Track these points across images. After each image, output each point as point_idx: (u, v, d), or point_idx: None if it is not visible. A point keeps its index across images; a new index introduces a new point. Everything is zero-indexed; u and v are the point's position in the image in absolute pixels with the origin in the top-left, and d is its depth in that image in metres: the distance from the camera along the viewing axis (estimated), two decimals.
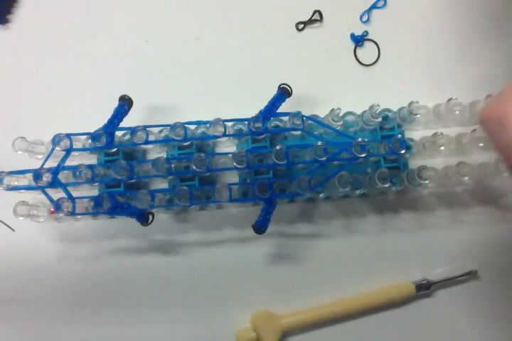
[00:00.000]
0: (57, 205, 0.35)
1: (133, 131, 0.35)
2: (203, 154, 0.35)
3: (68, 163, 0.36)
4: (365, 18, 0.43)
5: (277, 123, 0.39)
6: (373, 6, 0.43)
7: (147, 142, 0.36)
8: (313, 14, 0.43)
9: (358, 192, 0.36)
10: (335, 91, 0.42)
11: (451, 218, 0.41)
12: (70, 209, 0.35)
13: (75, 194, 0.36)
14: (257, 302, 0.40)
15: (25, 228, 0.40)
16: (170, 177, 0.38)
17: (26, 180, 0.36)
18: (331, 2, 0.44)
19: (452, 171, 0.37)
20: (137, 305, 0.40)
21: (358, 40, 0.43)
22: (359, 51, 0.43)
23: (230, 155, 0.36)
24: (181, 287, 0.40)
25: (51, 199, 0.35)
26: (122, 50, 0.43)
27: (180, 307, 0.40)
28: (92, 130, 0.36)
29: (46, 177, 0.35)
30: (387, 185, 0.35)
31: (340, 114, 0.37)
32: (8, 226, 0.40)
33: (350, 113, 0.38)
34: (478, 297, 0.40)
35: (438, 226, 0.40)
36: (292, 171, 0.39)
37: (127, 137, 0.37)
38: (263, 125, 0.36)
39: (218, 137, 0.36)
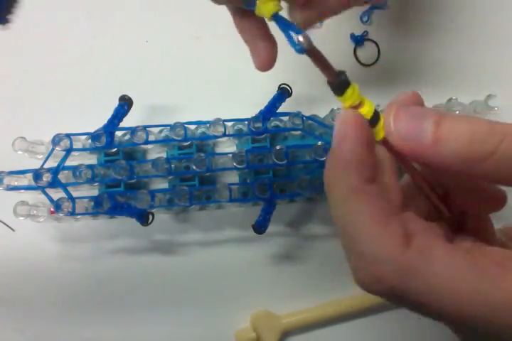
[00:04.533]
0: (57, 205, 0.35)
1: (133, 131, 0.35)
2: (203, 154, 0.35)
3: (68, 163, 0.36)
4: (365, 18, 0.43)
5: (277, 123, 0.39)
6: (373, 7, 0.43)
7: (147, 142, 0.36)
8: None
9: None
10: None
11: None
12: (70, 209, 0.35)
13: (75, 194, 0.36)
14: (257, 302, 0.40)
15: (25, 228, 0.40)
16: (170, 177, 0.38)
17: (26, 180, 0.36)
18: None
19: None
20: (137, 305, 0.40)
21: (358, 40, 0.43)
22: (359, 51, 0.43)
23: (230, 155, 0.36)
24: (181, 287, 0.40)
25: (51, 199, 0.35)
26: (122, 50, 0.43)
27: (180, 307, 0.40)
28: (92, 130, 0.36)
29: (46, 177, 0.35)
30: None
31: None
32: (8, 226, 0.40)
33: None
34: None
35: None
36: (292, 171, 0.39)
37: (127, 137, 0.37)
38: (263, 125, 0.36)
39: (218, 137, 0.36)
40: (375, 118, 0.21)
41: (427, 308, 0.19)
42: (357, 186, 0.19)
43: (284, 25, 0.21)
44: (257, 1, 0.24)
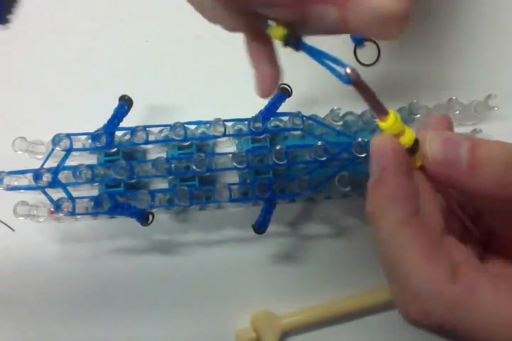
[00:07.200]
0: (57, 205, 0.35)
1: (133, 131, 0.35)
2: (203, 154, 0.35)
3: (68, 163, 0.36)
4: None
5: (277, 123, 0.39)
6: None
7: (147, 142, 0.36)
8: None
9: (358, 192, 0.36)
10: (335, 91, 0.42)
11: None
12: (70, 209, 0.35)
13: (75, 194, 0.36)
14: (257, 302, 0.40)
15: (25, 228, 0.40)
16: (170, 177, 0.38)
17: (26, 180, 0.36)
18: None
19: None
20: (137, 305, 0.40)
21: (358, 40, 0.43)
22: (359, 51, 0.43)
23: (230, 155, 0.36)
24: (181, 287, 0.40)
25: (51, 199, 0.35)
26: (122, 50, 0.43)
27: (180, 307, 0.40)
28: (92, 130, 0.36)
29: (46, 177, 0.35)
30: None
31: (340, 114, 0.37)
32: (8, 226, 0.40)
33: (350, 113, 0.38)
34: None
35: None
36: (292, 171, 0.39)
37: (127, 137, 0.37)
38: (263, 125, 0.36)
39: (218, 137, 0.36)
40: (415, 147, 0.21)
41: None
42: (403, 219, 0.19)
43: (318, 53, 0.22)
44: (271, 23, 0.24)
